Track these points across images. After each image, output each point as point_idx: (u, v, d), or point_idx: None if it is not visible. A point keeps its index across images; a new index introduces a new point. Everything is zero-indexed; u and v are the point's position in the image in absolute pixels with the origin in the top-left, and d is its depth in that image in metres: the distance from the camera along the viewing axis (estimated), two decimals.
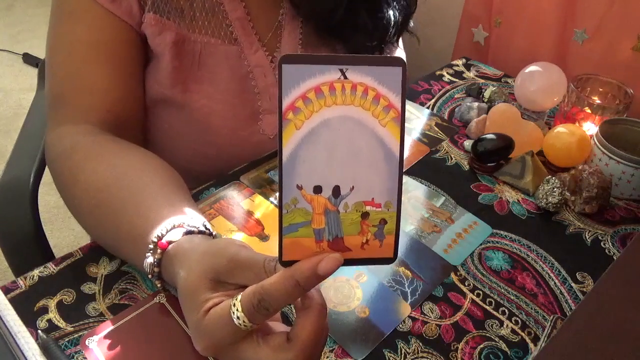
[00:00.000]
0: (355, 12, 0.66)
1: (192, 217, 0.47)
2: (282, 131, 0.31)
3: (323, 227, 0.33)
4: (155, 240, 0.44)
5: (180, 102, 0.64)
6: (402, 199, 0.66)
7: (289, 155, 0.32)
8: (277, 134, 0.32)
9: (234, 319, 0.35)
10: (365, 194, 0.33)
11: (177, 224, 0.45)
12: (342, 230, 0.34)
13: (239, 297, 0.35)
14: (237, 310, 0.35)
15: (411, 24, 0.75)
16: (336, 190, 0.33)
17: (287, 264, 0.34)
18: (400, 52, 0.85)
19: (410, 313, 0.51)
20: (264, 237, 0.58)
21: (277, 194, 0.32)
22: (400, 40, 0.84)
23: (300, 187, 0.32)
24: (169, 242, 0.43)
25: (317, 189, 0.32)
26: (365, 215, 0.33)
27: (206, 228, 0.46)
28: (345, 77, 0.31)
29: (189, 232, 0.44)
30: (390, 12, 0.69)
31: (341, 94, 0.32)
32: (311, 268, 0.33)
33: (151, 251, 0.44)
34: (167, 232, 0.44)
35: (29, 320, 0.47)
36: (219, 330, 0.36)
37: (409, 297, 0.53)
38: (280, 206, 0.32)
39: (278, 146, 0.32)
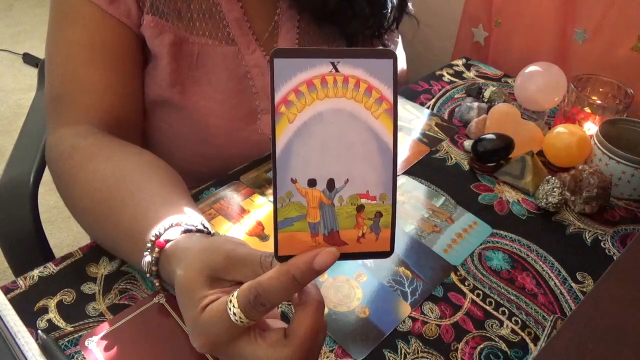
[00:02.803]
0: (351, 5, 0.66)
1: (190, 216, 0.47)
2: (275, 125, 0.31)
3: (318, 220, 0.33)
4: (153, 239, 0.44)
5: (178, 103, 0.64)
6: (402, 198, 0.66)
7: (282, 149, 0.32)
8: None
9: (231, 315, 0.35)
10: (360, 187, 0.33)
11: (175, 222, 0.45)
12: (337, 224, 0.33)
13: (236, 293, 0.35)
14: (234, 306, 0.35)
15: (410, 8, 0.75)
16: (330, 184, 0.33)
17: (283, 259, 0.34)
18: (399, 52, 0.85)
19: (410, 313, 0.51)
20: (263, 237, 0.58)
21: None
22: (400, 41, 0.84)
23: (294, 181, 0.32)
24: (167, 241, 0.43)
25: (312, 182, 0.32)
26: (360, 208, 0.33)
27: (204, 227, 0.46)
28: (337, 70, 0.31)
29: (187, 231, 0.44)
30: None
31: (333, 86, 0.32)
32: (307, 263, 0.33)
33: (149, 250, 0.44)
34: (165, 230, 0.44)
35: (29, 320, 0.47)
36: (216, 327, 0.36)
37: (409, 297, 0.53)
38: (274, 200, 0.32)
39: (271, 140, 0.31)
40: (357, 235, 0.34)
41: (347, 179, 0.33)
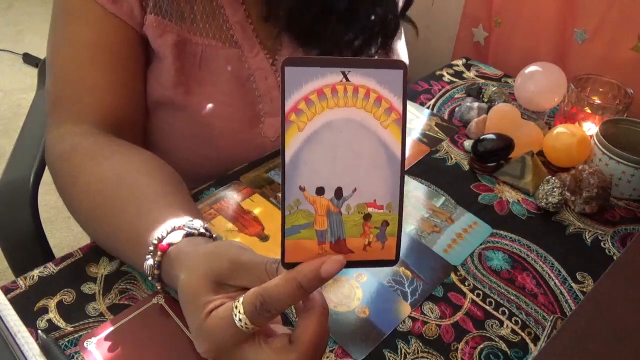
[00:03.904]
0: (325, 22, 0.65)
1: (192, 219, 0.46)
2: (285, 133, 0.32)
3: (325, 228, 0.33)
4: (156, 242, 0.44)
5: (182, 103, 0.64)
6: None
7: (291, 157, 0.32)
8: (278, 137, 0.32)
9: (236, 321, 0.35)
10: (367, 196, 0.33)
11: (177, 226, 0.45)
12: (344, 232, 0.34)
13: (241, 299, 0.35)
14: (239, 312, 0.35)
15: (408, 15, 0.74)
16: (338, 192, 0.33)
17: (289, 265, 0.34)
18: (402, 50, 0.84)
19: (410, 313, 0.51)
20: (263, 237, 0.58)
21: (279, 195, 0.32)
22: (404, 41, 0.84)
23: (302, 189, 0.32)
24: (169, 244, 0.43)
25: (320, 191, 0.33)
26: (367, 216, 0.33)
27: (206, 230, 0.46)
28: (347, 80, 0.32)
29: (189, 234, 0.44)
30: (375, 15, 0.68)
31: (343, 96, 0.32)
32: (314, 270, 0.33)
33: (151, 253, 0.44)
34: (168, 234, 0.44)
35: (29, 320, 0.47)
36: (221, 333, 0.36)
37: (409, 297, 0.53)
38: (282, 208, 0.32)
39: (281, 148, 0.32)
40: (363, 243, 0.34)
41: (355, 188, 0.33)
